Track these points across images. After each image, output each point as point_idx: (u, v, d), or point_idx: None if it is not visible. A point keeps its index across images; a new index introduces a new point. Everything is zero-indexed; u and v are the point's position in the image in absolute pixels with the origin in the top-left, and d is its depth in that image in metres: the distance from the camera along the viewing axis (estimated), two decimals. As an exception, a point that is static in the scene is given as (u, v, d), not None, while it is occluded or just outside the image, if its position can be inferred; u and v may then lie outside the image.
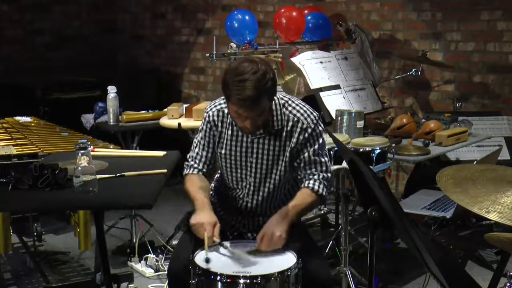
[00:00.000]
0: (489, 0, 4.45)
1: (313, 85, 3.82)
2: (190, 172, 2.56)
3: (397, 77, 4.80)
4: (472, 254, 3.65)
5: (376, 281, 3.43)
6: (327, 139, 2.99)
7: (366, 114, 3.77)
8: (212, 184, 2.75)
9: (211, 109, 2.54)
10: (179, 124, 3.84)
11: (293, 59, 3.96)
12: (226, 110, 2.49)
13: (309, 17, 4.67)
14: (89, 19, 6.82)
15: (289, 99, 2.50)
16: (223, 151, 2.51)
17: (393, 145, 3.33)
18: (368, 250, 1.95)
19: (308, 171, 2.47)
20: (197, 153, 2.57)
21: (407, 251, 3.81)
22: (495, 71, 4.51)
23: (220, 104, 2.53)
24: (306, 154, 2.45)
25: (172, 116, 4.04)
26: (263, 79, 2.25)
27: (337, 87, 3.93)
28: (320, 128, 2.48)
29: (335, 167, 3.00)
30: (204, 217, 2.34)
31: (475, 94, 4.61)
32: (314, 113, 2.49)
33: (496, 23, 4.45)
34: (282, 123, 2.44)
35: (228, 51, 4.04)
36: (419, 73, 4.45)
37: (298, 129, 2.44)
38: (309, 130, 2.44)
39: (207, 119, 2.54)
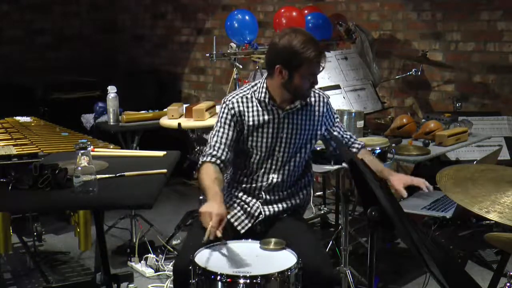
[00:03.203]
0: (489, 0, 4.45)
1: (313, 85, 3.81)
2: (208, 160, 2.56)
3: (397, 77, 4.80)
4: (472, 254, 3.65)
5: (376, 281, 3.43)
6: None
7: (366, 114, 3.77)
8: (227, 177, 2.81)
9: (232, 98, 2.64)
10: (179, 124, 3.84)
11: (293, 59, 3.95)
12: (249, 96, 2.63)
13: (309, 17, 4.67)
14: (89, 19, 6.82)
15: None
16: (254, 129, 2.62)
17: (393, 145, 3.34)
18: (368, 250, 1.95)
19: (350, 136, 2.85)
20: (216, 141, 2.59)
21: (407, 251, 3.81)
22: (495, 71, 4.51)
23: (241, 92, 2.66)
24: (338, 125, 2.80)
25: (172, 116, 4.04)
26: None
27: (337, 87, 3.93)
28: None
29: (335, 167, 3.01)
30: (214, 208, 2.35)
31: (475, 94, 4.61)
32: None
33: (496, 23, 4.45)
34: (309, 99, 2.69)
35: (228, 51, 4.04)
36: (419, 73, 4.45)
37: (321, 103, 2.71)
38: (330, 103, 2.76)
39: (230, 106, 2.62)
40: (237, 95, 2.65)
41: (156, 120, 4.17)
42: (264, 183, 2.66)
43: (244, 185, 2.69)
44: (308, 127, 2.68)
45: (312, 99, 2.69)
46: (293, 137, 2.64)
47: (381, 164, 2.82)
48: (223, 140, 2.58)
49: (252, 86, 2.67)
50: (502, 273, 2.58)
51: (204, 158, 2.57)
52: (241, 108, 2.61)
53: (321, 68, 2.56)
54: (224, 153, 2.57)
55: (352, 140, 2.84)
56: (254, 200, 2.67)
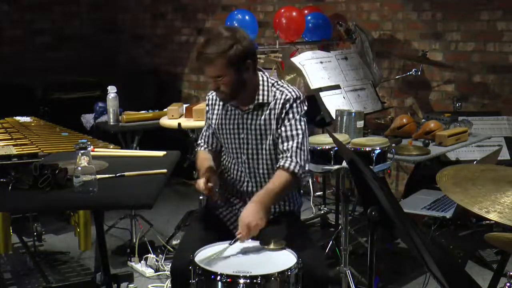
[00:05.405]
0: (489, 0, 4.45)
1: (313, 85, 3.81)
2: (199, 149, 2.79)
3: (397, 77, 4.80)
4: (472, 254, 3.66)
5: (376, 281, 3.43)
6: (327, 139, 2.99)
7: (366, 114, 3.77)
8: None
9: (211, 92, 2.71)
10: (179, 124, 3.84)
11: (293, 59, 3.96)
12: None
13: (309, 17, 4.67)
14: (89, 19, 6.82)
15: (281, 82, 2.63)
16: (217, 128, 2.67)
17: (393, 145, 3.33)
18: (368, 250, 1.95)
19: (284, 147, 2.50)
20: (203, 134, 2.80)
21: (407, 251, 3.81)
22: (495, 71, 4.51)
23: None
24: (283, 129, 2.52)
25: (172, 116, 4.04)
26: (225, 45, 2.38)
27: (337, 87, 3.93)
28: (304, 106, 2.56)
29: (335, 167, 3.00)
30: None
31: (475, 94, 4.61)
32: (300, 93, 2.56)
33: (496, 23, 4.45)
34: (268, 99, 2.54)
35: (228, 51, 4.03)
36: (419, 73, 4.45)
37: (282, 100, 2.52)
38: (292, 103, 2.51)
39: (207, 102, 2.73)
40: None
41: (156, 120, 4.18)
42: (240, 188, 2.66)
43: (228, 185, 2.71)
44: (265, 127, 2.55)
45: (275, 96, 2.53)
46: (252, 137, 2.57)
47: (268, 195, 2.43)
48: (207, 133, 2.77)
49: None
50: (502, 273, 2.58)
51: (196, 149, 2.82)
52: (211, 107, 2.70)
53: (206, 72, 2.45)
54: (213, 142, 2.75)
55: (284, 155, 2.49)
56: (237, 200, 2.69)
